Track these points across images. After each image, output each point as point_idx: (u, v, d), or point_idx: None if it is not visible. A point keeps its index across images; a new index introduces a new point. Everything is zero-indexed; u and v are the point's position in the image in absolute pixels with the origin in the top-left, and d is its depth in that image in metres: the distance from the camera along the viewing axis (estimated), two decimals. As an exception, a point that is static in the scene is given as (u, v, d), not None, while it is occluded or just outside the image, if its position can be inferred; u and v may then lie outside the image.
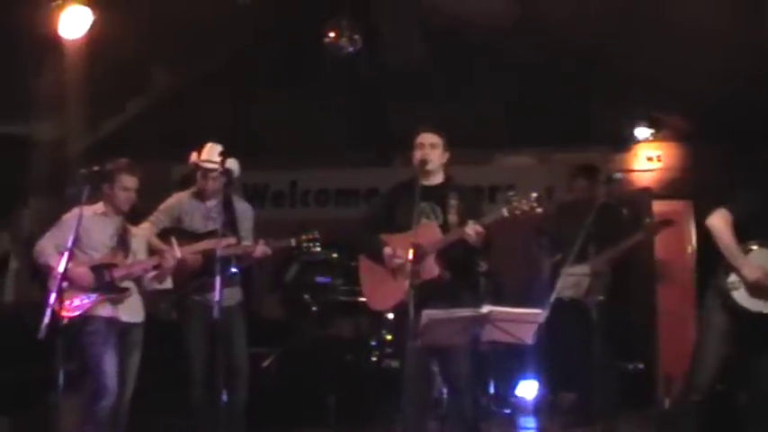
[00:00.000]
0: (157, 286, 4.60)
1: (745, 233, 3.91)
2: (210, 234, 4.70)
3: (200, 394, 4.67)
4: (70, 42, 5.35)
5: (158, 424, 5.58)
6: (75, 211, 4.36)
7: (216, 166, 4.68)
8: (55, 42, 5.33)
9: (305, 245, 4.73)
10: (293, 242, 4.73)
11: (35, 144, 6.99)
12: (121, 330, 4.48)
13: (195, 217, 4.85)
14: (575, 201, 5.64)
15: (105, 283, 4.42)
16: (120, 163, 4.50)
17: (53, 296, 3.83)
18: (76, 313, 4.30)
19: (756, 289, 3.85)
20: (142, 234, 4.74)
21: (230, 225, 4.74)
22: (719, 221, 3.92)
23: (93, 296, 4.36)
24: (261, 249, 4.71)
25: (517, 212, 3.95)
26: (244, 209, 4.97)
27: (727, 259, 3.93)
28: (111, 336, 4.40)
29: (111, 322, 4.43)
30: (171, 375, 6.16)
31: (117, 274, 4.46)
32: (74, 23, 5.13)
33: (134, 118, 7.02)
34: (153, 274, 4.54)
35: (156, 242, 4.74)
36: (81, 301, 4.35)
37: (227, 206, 4.79)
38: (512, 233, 4.36)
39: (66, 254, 3.94)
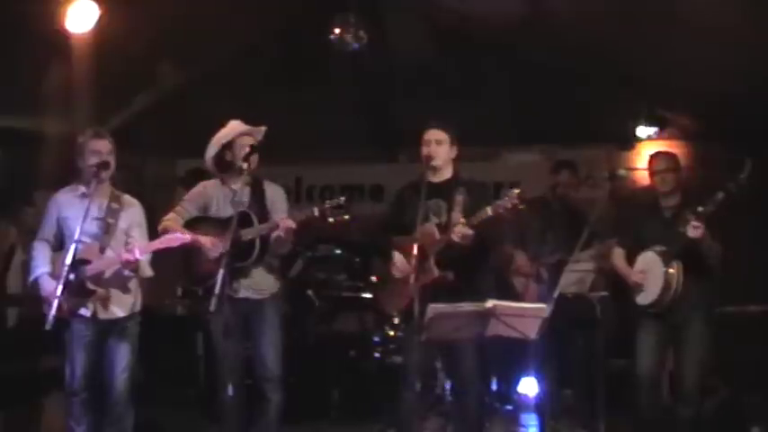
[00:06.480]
0: (149, 274, 4.39)
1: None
2: (238, 217, 4.27)
3: (229, 398, 4.27)
4: (77, 37, 5.36)
5: (163, 418, 5.61)
6: (53, 197, 4.31)
7: (252, 130, 4.49)
8: (62, 37, 5.33)
9: (330, 213, 4.21)
10: (316, 211, 4.24)
11: (41, 138, 6.99)
12: (102, 328, 4.29)
13: (222, 202, 4.52)
14: (539, 197, 5.68)
15: (74, 283, 4.07)
16: (86, 132, 4.33)
17: (60, 288, 3.85)
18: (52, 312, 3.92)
19: (640, 286, 4.56)
20: (138, 207, 4.48)
21: (260, 208, 4.46)
22: (617, 259, 4.77)
23: (60, 298, 3.90)
24: (284, 224, 4.26)
25: (501, 210, 3.96)
26: (275, 190, 4.64)
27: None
28: (86, 335, 4.23)
29: (88, 321, 4.23)
30: (176, 370, 6.23)
31: (89, 272, 4.16)
32: (81, 18, 5.14)
33: (140, 113, 7.03)
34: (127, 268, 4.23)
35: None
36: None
37: (257, 188, 4.53)
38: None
39: (73, 245, 3.94)
